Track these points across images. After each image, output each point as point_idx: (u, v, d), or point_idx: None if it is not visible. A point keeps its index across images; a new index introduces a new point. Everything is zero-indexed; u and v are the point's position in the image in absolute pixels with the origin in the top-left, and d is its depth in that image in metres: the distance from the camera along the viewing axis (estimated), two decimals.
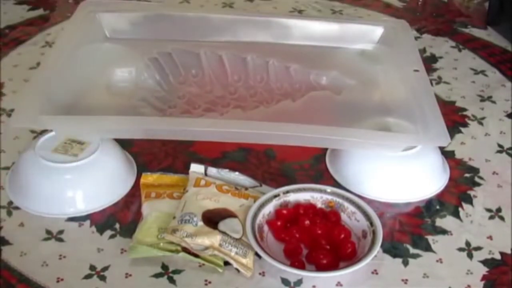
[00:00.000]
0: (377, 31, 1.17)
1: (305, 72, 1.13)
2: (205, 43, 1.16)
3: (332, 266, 0.81)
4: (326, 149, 1.03)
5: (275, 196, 0.89)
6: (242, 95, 1.09)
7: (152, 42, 1.15)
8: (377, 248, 0.81)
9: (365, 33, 1.17)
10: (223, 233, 0.82)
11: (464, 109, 1.17)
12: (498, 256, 0.86)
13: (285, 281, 0.80)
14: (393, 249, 0.86)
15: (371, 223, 0.85)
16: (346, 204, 0.89)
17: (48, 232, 0.86)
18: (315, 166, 1.01)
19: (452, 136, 1.09)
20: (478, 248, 0.87)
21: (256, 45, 1.17)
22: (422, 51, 1.36)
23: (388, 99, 1.05)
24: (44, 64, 1.03)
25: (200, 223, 0.83)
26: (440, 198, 0.96)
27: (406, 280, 0.82)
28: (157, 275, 0.80)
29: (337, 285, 0.80)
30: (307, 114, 1.03)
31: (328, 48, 1.17)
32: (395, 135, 0.95)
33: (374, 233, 0.84)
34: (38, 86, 0.95)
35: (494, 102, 1.20)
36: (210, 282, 0.80)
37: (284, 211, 0.88)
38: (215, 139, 0.95)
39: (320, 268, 0.81)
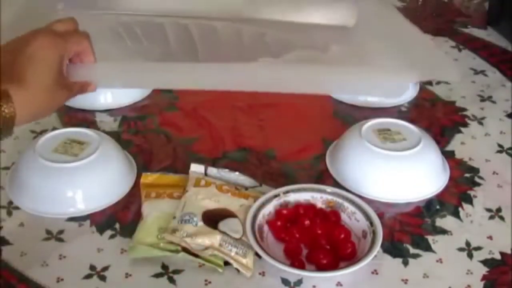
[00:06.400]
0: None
1: (282, 39, 1.07)
2: (168, 15, 1.11)
3: (332, 266, 0.81)
4: (326, 149, 1.03)
5: (275, 196, 0.89)
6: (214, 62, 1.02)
7: (110, 15, 1.11)
8: (377, 248, 0.81)
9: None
10: (223, 233, 0.82)
11: (464, 109, 1.17)
12: (498, 256, 0.86)
13: (285, 281, 0.80)
14: (393, 249, 0.86)
15: (371, 223, 0.85)
16: (346, 204, 0.89)
17: (48, 232, 0.86)
18: (315, 166, 1.01)
19: (452, 136, 1.09)
20: (478, 248, 0.87)
21: (227, 17, 1.10)
22: None
23: (378, 57, 1.00)
24: None
25: (200, 223, 0.83)
26: (440, 198, 0.96)
27: (406, 280, 0.82)
28: (157, 275, 0.80)
29: (337, 285, 0.80)
30: None
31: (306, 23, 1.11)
32: (401, 71, 0.88)
33: (374, 233, 0.84)
34: None
35: (494, 102, 1.20)
36: (210, 282, 0.80)
37: (284, 211, 0.88)
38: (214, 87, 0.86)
39: (320, 268, 0.81)
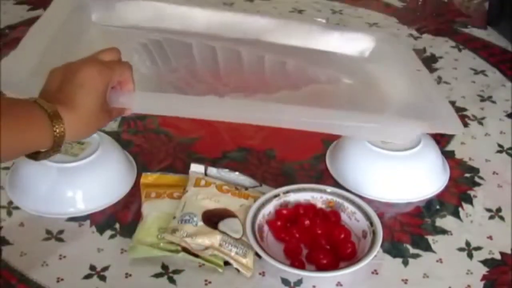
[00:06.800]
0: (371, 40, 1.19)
1: (302, 69, 1.11)
2: (196, 34, 1.15)
3: (332, 266, 0.81)
4: (326, 149, 1.03)
5: (275, 196, 0.89)
6: (236, 86, 1.08)
7: (141, 31, 1.15)
8: (377, 248, 0.81)
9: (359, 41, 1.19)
10: (223, 233, 0.82)
11: (464, 109, 1.17)
12: (498, 256, 0.86)
13: (285, 281, 0.80)
14: (393, 249, 0.86)
15: (371, 223, 0.85)
16: (346, 204, 0.89)
17: (48, 232, 0.86)
18: (315, 166, 1.01)
19: (452, 136, 1.09)
20: (478, 248, 0.87)
21: (251, 41, 1.15)
22: (422, 51, 1.36)
23: (392, 97, 1.05)
24: (25, 43, 0.97)
25: (200, 223, 0.83)
26: (440, 198, 0.96)
27: (406, 280, 0.82)
28: (157, 275, 0.80)
29: (337, 285, 0.80)
30: (309, 104, 1.02)
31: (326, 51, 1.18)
32: (409, 121, 0.92)
33: (374, 233, 0.83)
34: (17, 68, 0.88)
35: (494, 102, 1.20)
36: (210, 282, 0.80)
37: (284, 211, 0.88)
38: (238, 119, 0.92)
39: (320, 268, 0.81)
